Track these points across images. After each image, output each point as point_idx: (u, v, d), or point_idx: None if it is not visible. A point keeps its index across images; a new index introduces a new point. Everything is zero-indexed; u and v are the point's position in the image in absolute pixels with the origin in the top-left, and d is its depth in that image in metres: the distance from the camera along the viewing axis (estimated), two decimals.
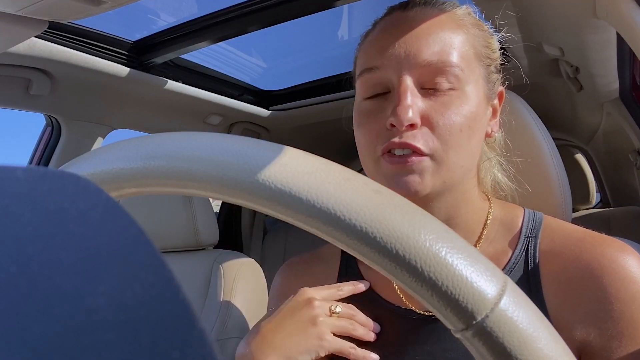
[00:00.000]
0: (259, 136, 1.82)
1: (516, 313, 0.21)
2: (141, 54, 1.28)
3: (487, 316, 0.21)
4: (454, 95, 0.48)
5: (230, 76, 1.59)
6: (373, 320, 0.55)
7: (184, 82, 1.40)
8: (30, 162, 1.38)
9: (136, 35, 1.28)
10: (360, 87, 0.52)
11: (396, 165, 0.47)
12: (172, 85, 1.36)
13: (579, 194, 1.78)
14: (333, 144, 1.86)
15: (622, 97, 1.31)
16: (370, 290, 0.57)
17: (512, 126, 0.68)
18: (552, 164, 0.68)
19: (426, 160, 0.47)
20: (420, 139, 0.46)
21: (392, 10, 0.54)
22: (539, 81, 1.36)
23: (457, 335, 0.22)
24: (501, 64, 0.58)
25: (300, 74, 1.77)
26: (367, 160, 0.51)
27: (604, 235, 0.50)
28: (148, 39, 1.27)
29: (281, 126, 1.84)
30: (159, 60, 1.28)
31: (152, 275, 0.11)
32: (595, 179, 1.95)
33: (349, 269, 0.61)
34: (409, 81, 0.47)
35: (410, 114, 0.46)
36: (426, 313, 0.53)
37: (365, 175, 0.27)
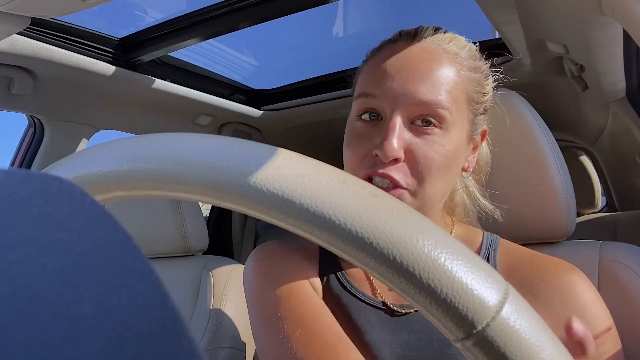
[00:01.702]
0: (250, 137, 1.82)
1: (519, 321, 0.20)
2: (128, 51, 1.27)
3: (488, 325, 0.20)
4: (439, 134, 0.52)
5: (220, 75, 1.58)
6: (352, 311, 0.57)
7: (172, 81, 1.38)
8: (12, 164, 1.37)
9: (122, 32, 1.27)
10: (356, 107, 0.56)
11: None
12: (160, 84, 1.35)
13: (584, 197, 1.77)
14: (327, 145, 1.85)
15: (629, 97, 1.31)
16: (349, 283, 0.59)
17: (513, 127, 0.65)
18: (556, 167, 0.67)
19: (405, 194, 0.52)
20: (400, 173, 0.51)
21: (399, 37, 0.57)
22: (541, 80, 1.36)
23: (457, 345, 0.21)
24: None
25: (293, 73, 1.78)
26: None
27: (560, 264, 0.56)
28: (135, 36, 1.26)
29: (273, 127, 1.83)
30: (146, 58, 1.26)
31: (139, 282, 0.11)
32: (601, 182, 1.93)
33: (327, 260, 0.62)
34: (399, 118, 0.52)
35: (394, 150, 0.50)
36: (403, 311, 0.56)
37: None
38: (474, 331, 0.20)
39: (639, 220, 1.48)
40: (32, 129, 1.34)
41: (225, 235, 1.95)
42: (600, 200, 1.85)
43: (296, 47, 1.88)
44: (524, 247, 0.60)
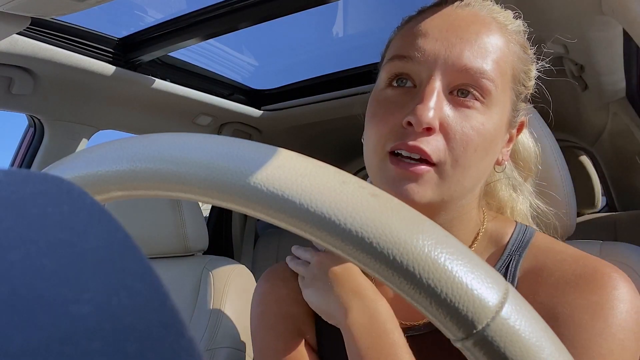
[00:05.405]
0: (250, 137, 1.81)
1: (518, 321, 0.20)
2: (128, 51, 1.27)
3: (488, 325, 0.20)
4: (480, 110, 0.46)
5: (220, 75, 1.58)
6: None
7: (172, 81, 1.38)
8: (12, 164, 1.37)
9: (122, 32, 1.27)
10: (386, 73, 0.49)
11: (400, 170, 0.45)
12: (160, 84, 1.35)
13: (584, 197, 1.76)
14: (328, 145, 1.85)
15: (629, 97, 1.30)
16: None
17: None
18: (556, 167, 0.67)
19: (431, 173, 0.45)
20: (432, 146, 0.44)
21: (444, 0, 0.51)
22: (541, 80, 1.33)
23: (457, 345, 0.21)
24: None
25: (293, 73, 1.77)
26: (373, 157, 0.49)
27: (595, 270, 0.46)
28: (135, 36, 1.26)
29: (273, 127, 1.83)
30: (146, 58, 1.27)
31: (139, 282, 0.11)
32: (601, 182, 1.93)
33: None
34: (438, 82, 0.45)
35: (430, 116, 0.43)
36: (418, 329, 0.51)
37: (362, 179, 0.26)
38: (474, 331, 0.20)
39: (639, 220, 1.47)
40: (32, 129, 1.33)
41: (225, 235, 1.94)
42: (600, 200, 1.83)
43: (296, 47, 1.87)
44: (559, 249, 0.50)
